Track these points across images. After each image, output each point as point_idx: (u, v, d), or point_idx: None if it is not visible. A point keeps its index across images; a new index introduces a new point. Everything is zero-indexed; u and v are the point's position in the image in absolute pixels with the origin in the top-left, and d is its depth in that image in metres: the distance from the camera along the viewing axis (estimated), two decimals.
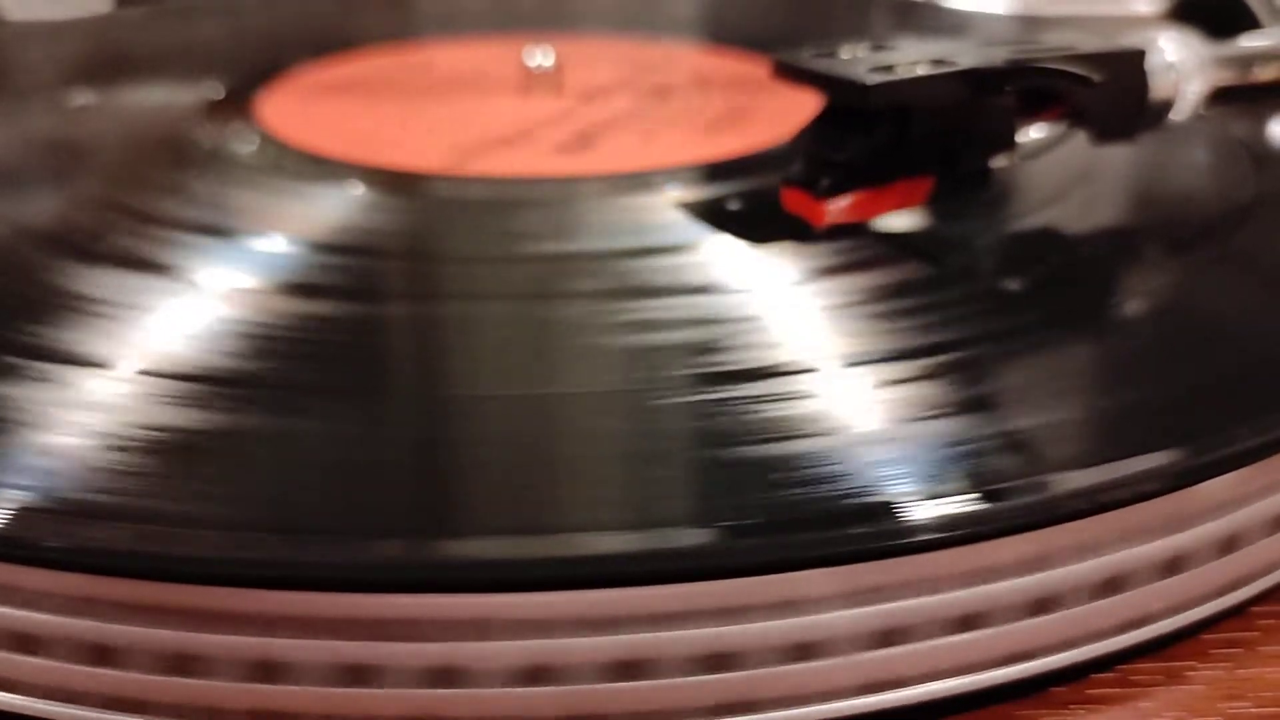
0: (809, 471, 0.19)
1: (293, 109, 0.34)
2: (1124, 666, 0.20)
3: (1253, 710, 0.19)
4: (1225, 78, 0.29)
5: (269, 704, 0.18)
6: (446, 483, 0.20)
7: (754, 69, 0.36)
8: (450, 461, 0.21)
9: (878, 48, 0.26)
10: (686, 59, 0.39)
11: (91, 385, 0.22)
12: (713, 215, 0.27)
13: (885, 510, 0.19)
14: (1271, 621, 0.21)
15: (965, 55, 0.26)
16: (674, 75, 0.37)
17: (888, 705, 0.19)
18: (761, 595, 0.18)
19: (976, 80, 0.25)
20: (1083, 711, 0.20)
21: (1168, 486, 0.19)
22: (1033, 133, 0.27)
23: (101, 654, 0.18)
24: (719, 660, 0.18)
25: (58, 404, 0.21)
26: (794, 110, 0.28)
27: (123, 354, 0.23)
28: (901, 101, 0.25)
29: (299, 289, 0.25)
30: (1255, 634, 0.21)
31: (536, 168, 0.30)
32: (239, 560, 0.18)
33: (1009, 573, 0.19)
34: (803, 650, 0.18)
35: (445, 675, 0.18)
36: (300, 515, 0.19)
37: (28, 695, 0.19)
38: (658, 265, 0.25)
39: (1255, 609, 0.21)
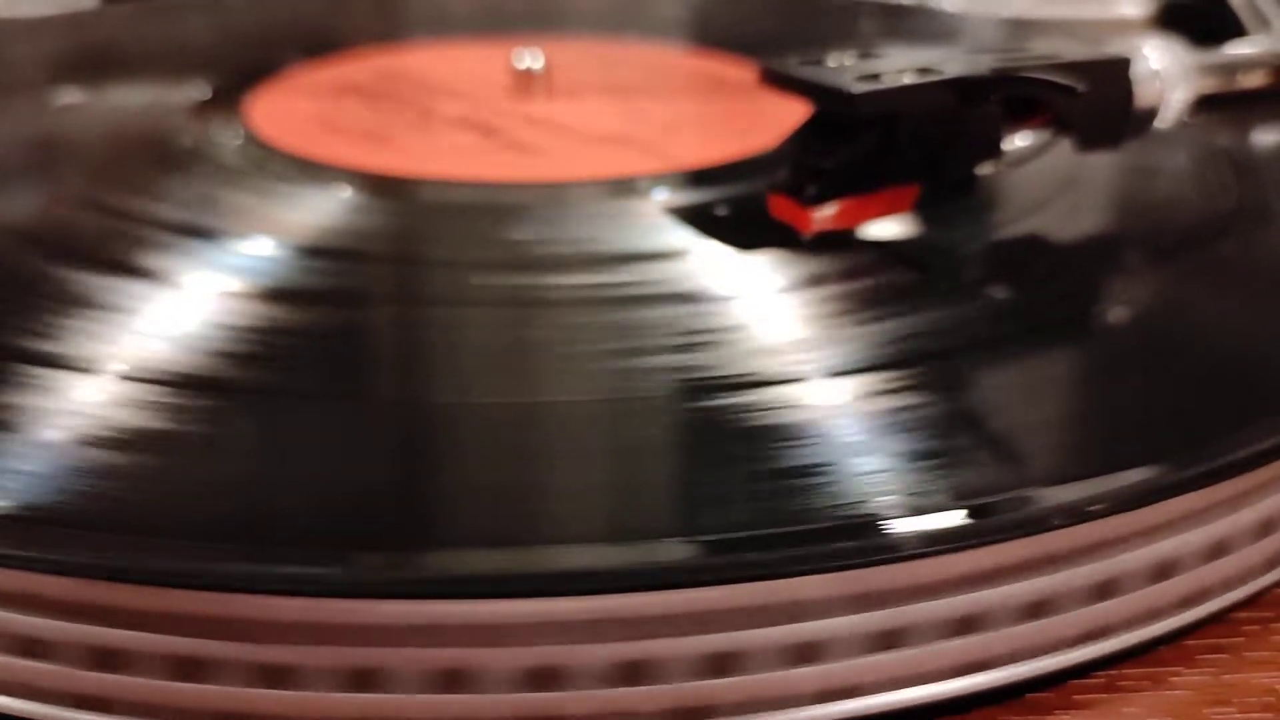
0: (794, 481, 0.19)
1: (280, 110, 0.34)
2: (1110, 672, 0.20)
3: (1237, 715, 0.20)
4: (1209, 85, 0.29)
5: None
6: (431, 491, 0.20)
7: (743, 73, 0.36)
8: (435, 469, 0.21)
9: (864, 55, 0.27)
10: (675, 63, 0.39)
11: (73, 389, 0.22)
12: (700, 221, 0.27)
13: (871, 522, 0.19)
14: (1256, 627, 0.21)
15: (951, 64, 0.26)
16: (663, 79, 0.37)
17: (873, 710, 0.19)
18: (753, 601, 0.18)
19: (962, 89, 0.26)
20: (1067, 717, 0.20)
21: (1152, 498, 0.20)
22: (1018, 140, 0.28)
23: (94, 658, 0.18)
24: (730, 662, 0.18)
25: (39, 407, 0.21)
26: (782, 115, 0.28)
27: (105, 357, 0.23)
28: (887, 109, 0.26)
29: (284, 293, 0.25)
30: (1240, 639, 0.21)
31: (524, 172, 0.30)
32: (213, 570, 0.18)
33: (993, 582, 0.19)
34: (800, 654, 0.18)
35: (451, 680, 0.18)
36: (283, 522, 0.19)
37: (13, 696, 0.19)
38: (645, 271, 0.26)
39: (1240, 614, 0.22)
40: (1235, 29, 0.33)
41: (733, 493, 0.19)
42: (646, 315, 0.24)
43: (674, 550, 0.19)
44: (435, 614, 0.18)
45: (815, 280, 0.25)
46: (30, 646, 0.18)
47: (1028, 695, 0.20)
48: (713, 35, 0.40)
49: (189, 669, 0.18)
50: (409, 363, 0.24)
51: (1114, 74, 0.27)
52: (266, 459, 0.20)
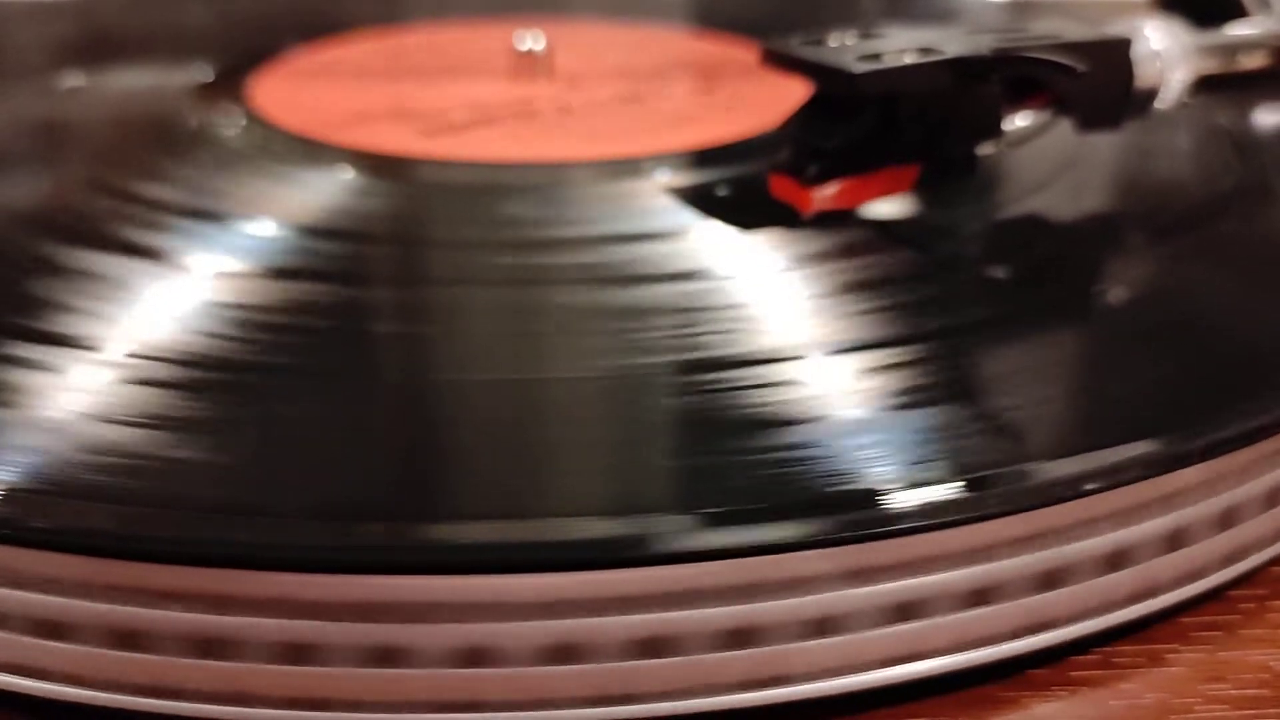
0: (795, 457, 0.20)
1: (283, 92, 0.34)
2: (1105, 649, 0.20)
3: (1232, 692, 0.20)
4: (1210, 66, 0.29)
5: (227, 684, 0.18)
6: (433, 467, 0.21)
7: (743, 53, 0.36)
8: (436, 447, 0.21)
9: (865, 35, 0.27)
10: (676, 43, 0.39)
11: (79, 368, 0.22)
12: (701, 201, 0.27)
13: (871, 496, 0.19)
14: (1252, 605, 0.22)
15: (952, 43, 0.26)
16: (664, 60, 0.37)
17: (874, 684, 0.19)
18: (761, 575, 0.18)
19: (963, 69, 0.26)
20: (1064, 693, 0.20)
21: (1151, 474, 0.20)
22: (1018, 120, 0.28)
23: (72, 632, 0.19)
24: (737, 637, 0.18)
25: (45, 386, 0.22)
26: (783, 95, 0.28)
27: (111, 337, 0.23)
28: (888, 90, 0.26)
29: (287, 273, 0.25)
30: (1236, 617, 0.21)
31: (525, 152, 0.30)
32: (215, 541, 0.18)
33: (992, 557, 0.19)
34: (803, 630, 0.19)
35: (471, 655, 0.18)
36: (281, 498, 0.19)
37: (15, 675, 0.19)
38: (646, 251, 0.26)
39: (1235, 592, 0.22)
40: (1236, 9, 0.33)
41: (733, 469, 0.20)
42: (648, 295, 0.24)
43: (675, 524, 0.19)
44: (442, 589, 0.18)
45: (816, 259, 0.25)
46: (44, 626, 0.19)
47: (1023, 671, 0.20)
48: (713, 16, 0.40)
49: (206, 646, 0.18)
50: (411, 342, 0.24)
51: (1114, 55, 0.27)
52: (271, 438, 0.21)
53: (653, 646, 0.18)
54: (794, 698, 0.19)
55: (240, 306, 0.24)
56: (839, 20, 0.28)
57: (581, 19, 0.40)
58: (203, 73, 0.35)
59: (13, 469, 0.19)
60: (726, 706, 0.19)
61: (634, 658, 0.18)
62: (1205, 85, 0.29)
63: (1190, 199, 0.29)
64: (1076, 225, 0.28)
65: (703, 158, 0.30)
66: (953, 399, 0.21)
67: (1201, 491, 0.20)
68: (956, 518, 0.19)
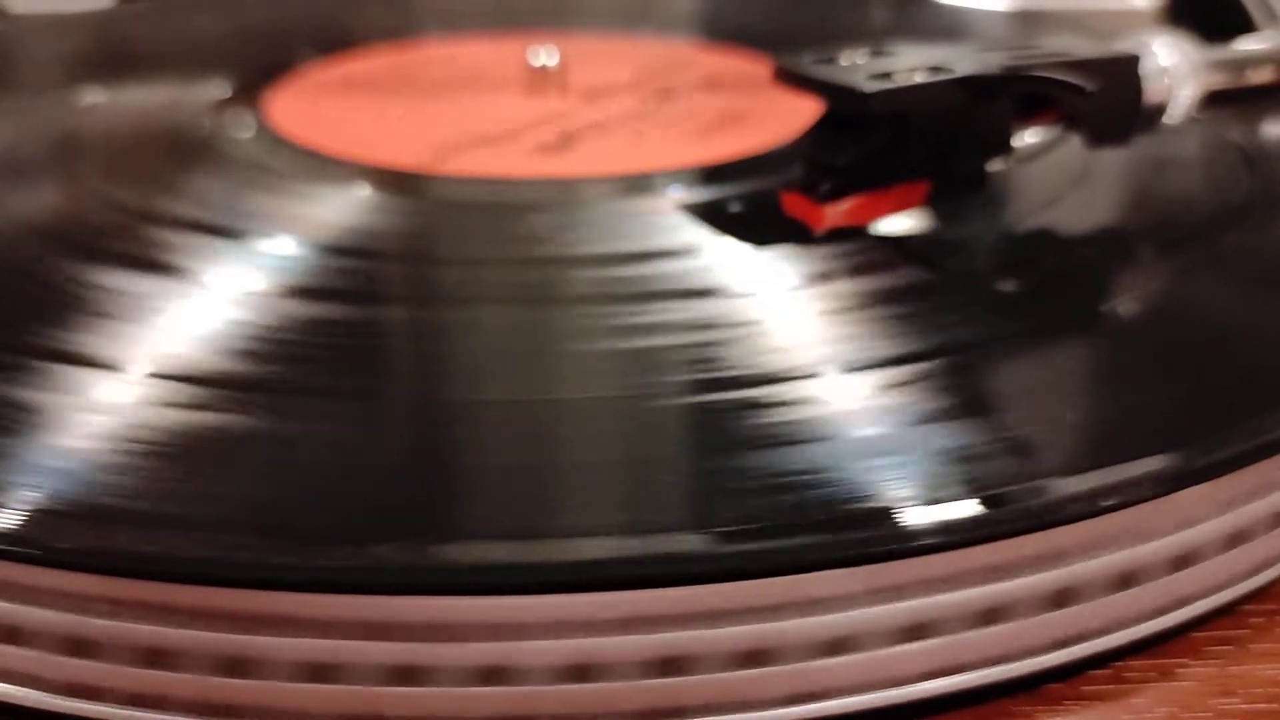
0: (808, 476, 0.20)
1: (299, 107, 0.34)
2: (1118, 664, 0.21)
3: (1243, 706, 0.20)
4: (1218, 81, 0.29)
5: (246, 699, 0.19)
6: (447, 487, 0.21)
7: (756, 67, 0.36)
8: (451, 466, 0.21)
9: (876, 53, 0.27)
10: (689, 58, 0.39)
11: (95, 386, 0.22)
12: (714, 218, 0.27)
13: (885, 515, 0.19)
14: (1261, 620, 0.22)
15: (962, 62, 0.26)
16: (676, 74, 0.37)
17: (889, 702, 0.19)
18: (763, 597, 0.18)
19: (973, 87, 0.26)
20: (1077, 708, 0.20)
21: (1163, 491, 0.20)
22: (1028, 136, 0.28)
23: (95, 650, 0.19)
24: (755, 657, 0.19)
25: (62, 405, 0.22)
26: (796, 110, 0.28)
27: (127, 355, 0.23)
28: (900, 108, 0.26)
29: (303, 290, 0.25)
30: (1246, 632, 0.21)
31: (537, 169, 0.30)
32: (232, 563, 0.18)
33: (1007, 575, 0.19)
34: (823, 648, 0.19)
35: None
36: (299, 518, 0.19)
37: (24, 686, 0.19)
38: (659, 267, 0.26)
39: (1246, 607, 0.22)
40: (1244, 24, 0.33)
41: (748, 487, 0.20)
42: (661, 311, 0.24)
43: (691, 542, 0.19)
44: (457, 609, 0.18)
45: (828, 276, 0.25)
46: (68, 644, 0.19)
47: (1037, 687, 0.20)
48: (726, 30, 0.41)
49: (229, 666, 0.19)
50: (425, 360, 0.24)
51: (1123, 72, 0.27)
52: (282, 456, 0.21)
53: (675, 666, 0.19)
54: (813, 714, 0.19)
55: (257, 325, 0.24)
56: (848, 30, 0.29)
57: (595, 32, 0.41)
58: (220, 88, 0.35)
59: (33, 489, 0.20)
60: None
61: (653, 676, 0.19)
62: (1214, 100, 0.29)
63: (1199, 213, 0.29)
64: (1087, 240, 0.28)
65: (715, 174, 0.30)
66: (965, 417, 0.21)
67: (1211, 511, 0.20)
68: (971, 536, 0.19)
